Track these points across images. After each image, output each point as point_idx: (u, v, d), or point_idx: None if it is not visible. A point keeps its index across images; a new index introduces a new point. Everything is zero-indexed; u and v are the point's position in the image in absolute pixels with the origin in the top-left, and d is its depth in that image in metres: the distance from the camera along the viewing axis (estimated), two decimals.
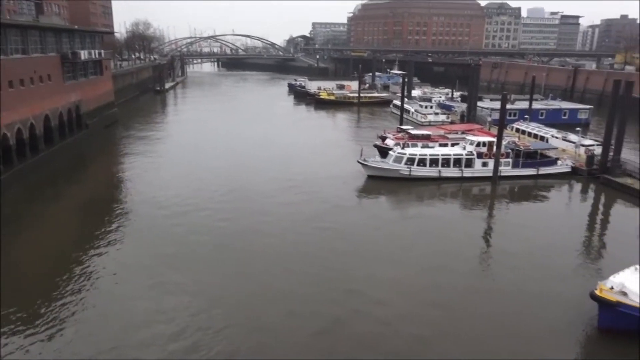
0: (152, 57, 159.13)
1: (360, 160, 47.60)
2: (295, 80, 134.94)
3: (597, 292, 22.62)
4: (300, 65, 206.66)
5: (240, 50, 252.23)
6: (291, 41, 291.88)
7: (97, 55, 70.21)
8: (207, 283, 27.11)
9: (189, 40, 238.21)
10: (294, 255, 30.79)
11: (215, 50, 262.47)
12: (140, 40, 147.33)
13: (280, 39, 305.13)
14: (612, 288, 22.80)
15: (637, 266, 24.25)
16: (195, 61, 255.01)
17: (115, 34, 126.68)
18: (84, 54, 63.58)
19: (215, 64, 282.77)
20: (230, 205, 39.78)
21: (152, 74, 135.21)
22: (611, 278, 23.67)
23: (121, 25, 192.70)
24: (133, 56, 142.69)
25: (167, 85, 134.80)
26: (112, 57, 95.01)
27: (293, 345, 21.80)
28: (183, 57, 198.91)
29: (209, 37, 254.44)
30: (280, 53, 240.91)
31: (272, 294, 25.95)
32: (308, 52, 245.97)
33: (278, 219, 36.71)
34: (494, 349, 21.64)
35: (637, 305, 21.90)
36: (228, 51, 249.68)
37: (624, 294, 22.40)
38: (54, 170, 49.93)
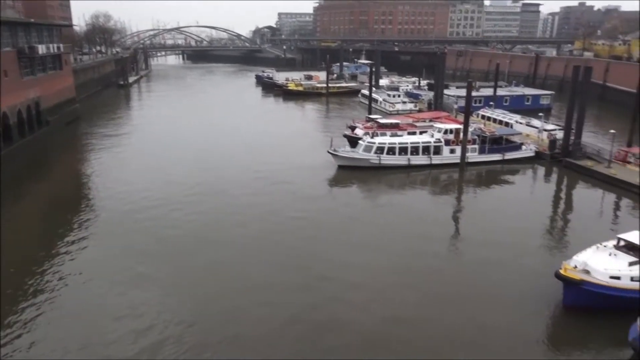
0: (114, 50, 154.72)
1: (330, 151, 47.70)
2: (263, 71, 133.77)
3: (562, 272, 23.45)
4: (267, 57, 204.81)
5: (205, 42, 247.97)
6: (257, 32, 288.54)
7: (55, 50, 67.75)
8: (178, 276, 26.89)
9: (152, 33, 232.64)
10: (267, 245, 30.82)
11: (179, 42, 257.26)
12: (101, 33, 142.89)
13: (246, 30, 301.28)
14: (575, 267, 23.69)
15: (599, 245, 25.24)
16: (159, 54, 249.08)
17: (74, 27, 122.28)
18: (41, 49, 61.28)
19: (180, 56, 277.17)
20: (200, 198, 39.38)
21: (115, 68, 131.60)
22: (575, 257, 24.56)
23: (80, 18, 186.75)
24: (94, 50, 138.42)
25: (130, 79, 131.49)
26: (71, 51, 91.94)
27: (268, 333, 21.93)
28: (146, 49, 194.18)
29: (172, 29, 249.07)
30: (247, 44, 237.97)
31: (246, 285, 25.98)
32: (275, 42, 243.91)
33: (250, 210, 36.60)
34: (466, 330, 22.25)
35: (600, 282, 22.82)
36: (193, 43, 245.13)
37: (587, 272, 23.30)
38: (15, 170, 48.17)
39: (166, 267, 27.87)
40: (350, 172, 46.27)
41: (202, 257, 29.27)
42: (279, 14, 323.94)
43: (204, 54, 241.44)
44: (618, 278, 22.89)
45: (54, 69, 69.44)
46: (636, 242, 24.16)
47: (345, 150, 49.08)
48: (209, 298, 24.79)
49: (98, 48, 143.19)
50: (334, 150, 47.69)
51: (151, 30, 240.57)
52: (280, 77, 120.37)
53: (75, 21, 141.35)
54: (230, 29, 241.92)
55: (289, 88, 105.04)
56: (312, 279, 26.56)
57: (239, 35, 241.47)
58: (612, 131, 46.17)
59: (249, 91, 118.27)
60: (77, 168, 52.34)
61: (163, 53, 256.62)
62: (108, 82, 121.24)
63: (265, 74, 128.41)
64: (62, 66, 73.26)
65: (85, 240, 31.83)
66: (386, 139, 49.29)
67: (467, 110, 48.86)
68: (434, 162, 48.30)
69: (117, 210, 36.75)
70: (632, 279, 22.91)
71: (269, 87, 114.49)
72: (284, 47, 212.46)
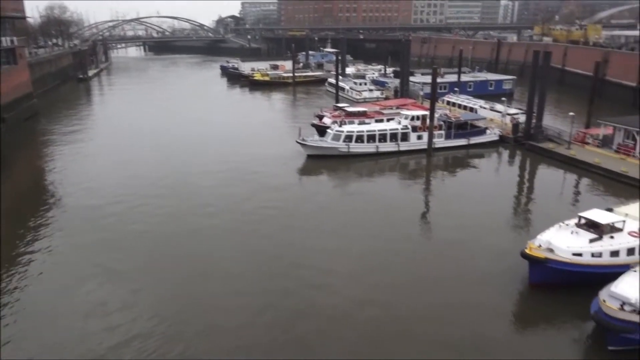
0: (71, 43, 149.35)
1: (299, 140, 47.59)
2: (228, 62, 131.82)
3: (527, 251, 24.24)
4: (231, 47, 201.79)
5: (167, 33, 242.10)
6: (220, 22, 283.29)
7: (9, 43, 64.96)
8: (147, 269, 26.55)
9: (111, 24, 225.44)
10: (238, 235, 30.75)
11: (140, 33, 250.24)
12: (57, 25, 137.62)
13: (209, 20, 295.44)
14: (540, 246, 24.51)
15: (561, 224, 26.16)
16: (119, 46, 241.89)
17: (28, 19, 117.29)
18: None
19: (142, 48, 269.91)
20: (168, 191, 38.82)
21: (73, 61, 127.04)
22: (539, 236, 25.41)
23: (33, 9, 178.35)
24: (50, 43, 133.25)
25: (90, 73, 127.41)
26: (26, 45, 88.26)
27: (242, 321, 22.03)
28: (106, 41, 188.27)
29: (132, 20, 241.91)
30: (210, 34, 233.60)
31: (218, 275, 25.94)
32: (239, 32, 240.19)
33: (219, 202, 36.36)
34: (436, 308, 22.83)
35: (563, 260, 23.71)
36: (154, 34, 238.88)
37: (551, 250, 24.16)
38: None
39: (136, 262, 27.44)
40: (319, 161, 46.34)
41: (172, 249, 28.93)
42: (243, 3, 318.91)
43: (166, 45, 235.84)
44: (580, 255, 23.82)
45: (8, 64, 66.62)
46: (596, 219, 25.15)
47: (314, 140, 49.07)
48: (181, 290, 24.59)
49: (54, 41, 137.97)
50: (303, 140, 47.61)
51: (110, 21, 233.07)
52: (245, 67, 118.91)
53: (28, 13, 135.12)
54: (192, 19, 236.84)
55: (255, 78, 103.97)
56: (284, 267, 26.71)
57: (201, 26, 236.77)
58: (571, 114, 47.69)
59: (214, 82, 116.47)
60: (37, 165, 50.62)
61: (123, 45, 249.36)
62: (66, 76, 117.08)
63: (231, 65, 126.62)
64: (17, 60, 70.33)
65: (49, 238, 30.91)
66: (354, 127, 49.51)
67: (433, 97, 49.53)
68: (401, 148, 48.86)
69: (82, 207, 35.85)
70: (592, 255, 23.89)
71: (235, 78, 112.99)
72: (249, 36, 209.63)
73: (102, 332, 21.41)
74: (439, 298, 23.87)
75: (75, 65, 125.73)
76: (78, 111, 79.52)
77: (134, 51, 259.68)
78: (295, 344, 20.60)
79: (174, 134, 59.51)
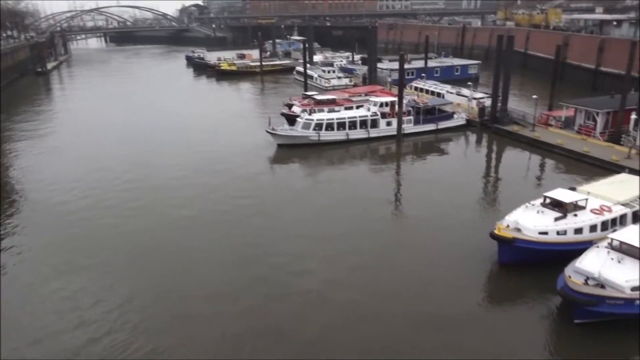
0: (27, 35, 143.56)
1: (268, 130, 47.30)
2: (193, 52, 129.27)
3: (496, 232, 24.91)
4: (196, 36, 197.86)
5: (128, 23, 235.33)
6: (184, 11, 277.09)
7: None
8: (119, 264, 26.07)
9: (69, 15, 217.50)
10: (209, 225, 30.61)
11: (100, 24, 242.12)
12: (11, 16, 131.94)
13: (172, 9, 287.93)
14: (508, 226, 25.22)
15: (527, 204, 26.93)
16: (78, 37, 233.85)
17: None
18: None
19: (103, 39, 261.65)
20: (137, 184, 38.14)
21: (30, 54, 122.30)
22: (507, 217, 26.12)
23: None
24: (4, 35, 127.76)
25: (49, 66, 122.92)
26: None
27: (217, 309, 22.07)
28: (64, 33, 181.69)
29: (91, 10, 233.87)
30: (174, 24, 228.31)
31: (192, 266, 25.74)
32: (203, 21, 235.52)
33: (190, 193, 36.00)
34: (410, 293, 23.29)
35: (530, 239, 24.46)
36: (115, 24, 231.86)
37: (518, 230, 24.88)
38: None
39: (107, 257, 26.94)
40: (290, 150, 46.21)
41: (143, 242, 28.55)
42: None
43: (128, 35, 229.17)
44: (546, 233, 24.62)
45: None
46: (560, 199, 25.99)
47: (284, 129, 48.86)
48: (155, 281, 24.36)
49: (9, 33, 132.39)
50: (272, 129, 47.35)
51: (68, 12, 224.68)
52: (211, 57, 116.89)
53: None
54: (154, 8, 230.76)
55: (222, 68, 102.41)
56: (258, 255, 26.77)
57: (164, 15, 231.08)
58: (534, 97, 48.88)
59: (180, 73, 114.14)
60: None
61: (83, 36, 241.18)
62: (24, 70, 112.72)
63: (196, 55, 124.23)
64: None
65: (15, 236, 29.93)
66: (324, 115, 49.50)
67: (401, 83, 49.90)
68: (371, 135, 49.16)
69: (49, 203, 34.93)
70: (558, 233, 24.73)
71: (201, 68, 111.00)
72: (214, 25, 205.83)
73: (74, 329, 21.04)
74: (411, 279, 24.43)
75: (33, 58, 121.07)
76: (38, 106, 76.77)
77: (94, 42, 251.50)
78: (273, 331, 20.71)
79: (140, 126, 58.22)
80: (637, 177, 30.61)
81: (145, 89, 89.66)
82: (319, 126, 47.59)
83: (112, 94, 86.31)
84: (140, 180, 39.14)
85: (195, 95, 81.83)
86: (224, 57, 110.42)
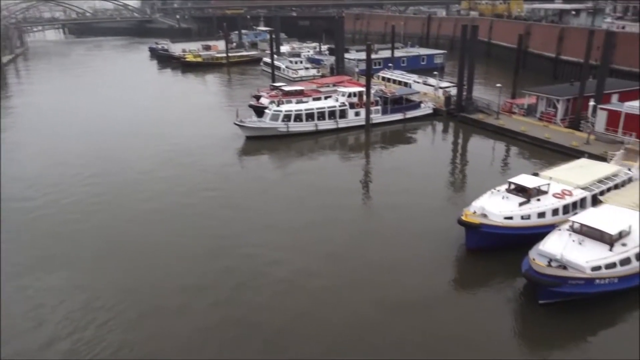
0: None
1: (236, 122, 46.82)
2: (157, 43, 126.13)
3: (463, 218, 25.43)
4: (159, 27, 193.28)
5: (88, 14, 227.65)
6: (146, 1, 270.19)
7: None
8: (86, 259, 25.48)
9: (24, 5, 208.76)
10: (179, 219, 30.14)
11: (58, 15, 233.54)
12: None
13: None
14: (474, 212, 25.77)
15: (493, 190, 27.59)
16: (35, 29, 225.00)
17: None
18: None
19: (61, 30, 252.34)
20: (103, 179, 37.31)
21: None
22: (473, 203, 26.70)
23: None
24: None
25: (5, 59, 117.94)
26: None
27: (188, 300, 21.96)
28: (20, 25, 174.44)
29: (48, 0, 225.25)
30: (136, 15, 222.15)
31: (160, 270, 25.21)
32: (166, 12, 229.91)
33: (157, 187, 35.43)
34: (380, 279, 23.61)
35: (496, 224, 25.09)
36: (74, 15, 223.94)
37: (485, 215, 25.48)
38: None
39: (74, 252, 26.26)
40: (258, 142, 45.88)
41: (111, 237, 27.95)
42: None
43: (88, 27, 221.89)
44: (511, 218, 25.30)
45: None
46: (524, 184, 26.74)
47: (252, 121, 48.46)
48: (121, 276, 23.94)
49: None
50: (240, 122, 46.89)
51: (22, 2, 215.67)
52: (176, 48, 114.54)
53: None
54: None
55: (187, 60, 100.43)
56: (228, 246, 26.65)
57: (125, 5, 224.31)
58: (498, 85, 49.93)
59: (144, 65, 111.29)
60: None
61: (40, 28, 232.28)
62: None
63: (160, 46, 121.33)
64: None
65: None
66: (292, 107, 49.31)
67: (368, 73, 50.11)
68: (340, 125, 49.27)
69: (11, 199, 33.66)
70: (522, 218, 25.46)
71: (165, 60, 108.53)
72: (177, 16, 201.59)
73: (38, 327, 20.54)
74: (381, 266, 24.74)
75: None
76: None
77: (52, 34, 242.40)
78: (243, 322, 20.71)
79: (105, 120, 56.56)
80: (596, 162, 31.81)
81: (108, 83, 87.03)
82: (287, 117, 47.38)
83: (73, 87, 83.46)
84: (105, 175, 38.23)
85: (160, 88, 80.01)
86: (188, 49, 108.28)
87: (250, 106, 55.07)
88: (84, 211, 31.82)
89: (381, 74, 70.03)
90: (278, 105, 49.76)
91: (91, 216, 31.05)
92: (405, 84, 63.78)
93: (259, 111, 52.01)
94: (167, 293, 22.77)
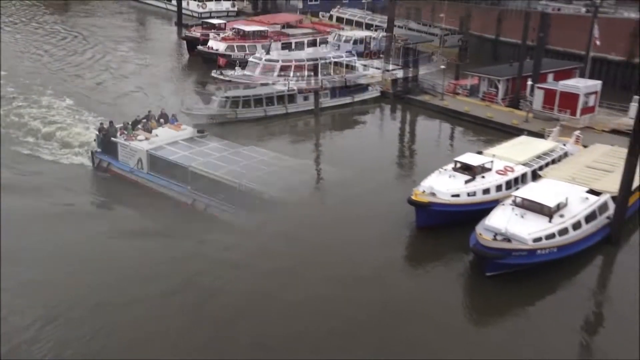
0: None
1: (184, 110, 45.50)
2: None
3: (413, 197, 26.11)
4: None
5: None
6: None
7: None
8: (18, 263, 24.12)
9: None
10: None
11: None
12: None
13: None
14: (423, 191, 26.51)
15: (440, 169, 28.45)
16: None
17: None
18: None
19: None
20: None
21: None
22: (422, 183, 27.43)
23: None
24: None
25: None
26: None
27: (146, 314, 21.04)
28: None
29: None
30: None
31: (112, 266, 24.25)
32: None
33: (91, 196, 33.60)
34: (333, 259, 23.93)
35: (444, 202, 25.95)
36: None
37: (433, 194, 26.27)
38: None
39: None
40: (206, 129, 44.72)
41: (47, 235, 26.33)
42: None
43: None
44: (458, 196, 26.23)
45: None
46: (469, 162, 27.76)
47: (199, 108, 47.31)
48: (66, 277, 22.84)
49: None
50: (187, 109, 45.69)
51: None
52: None
53: None
54: None
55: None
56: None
57: None
58: (442, 67, 51.13)
59: None
60: None
61: None
62: None
63: None
64: None
65: None
66: (239, 92, 48.50)
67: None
68: (289, 110, 48.96)
69: None
70: (468, 195, 26.47)
71: None
72: None
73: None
74: (333, 247, 24.92)
75: None
76: None
77: None
78: (190, 309, 20.45)
79: None
80: (535, 139, 33.41)
81: None
82: (235, 104, 46.56)
83: None
84: None
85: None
86: None
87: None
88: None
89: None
90: (225, 92, 48.43)
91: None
92: (352, 68, 63.70)
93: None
94: (124, 301, 21.76)
